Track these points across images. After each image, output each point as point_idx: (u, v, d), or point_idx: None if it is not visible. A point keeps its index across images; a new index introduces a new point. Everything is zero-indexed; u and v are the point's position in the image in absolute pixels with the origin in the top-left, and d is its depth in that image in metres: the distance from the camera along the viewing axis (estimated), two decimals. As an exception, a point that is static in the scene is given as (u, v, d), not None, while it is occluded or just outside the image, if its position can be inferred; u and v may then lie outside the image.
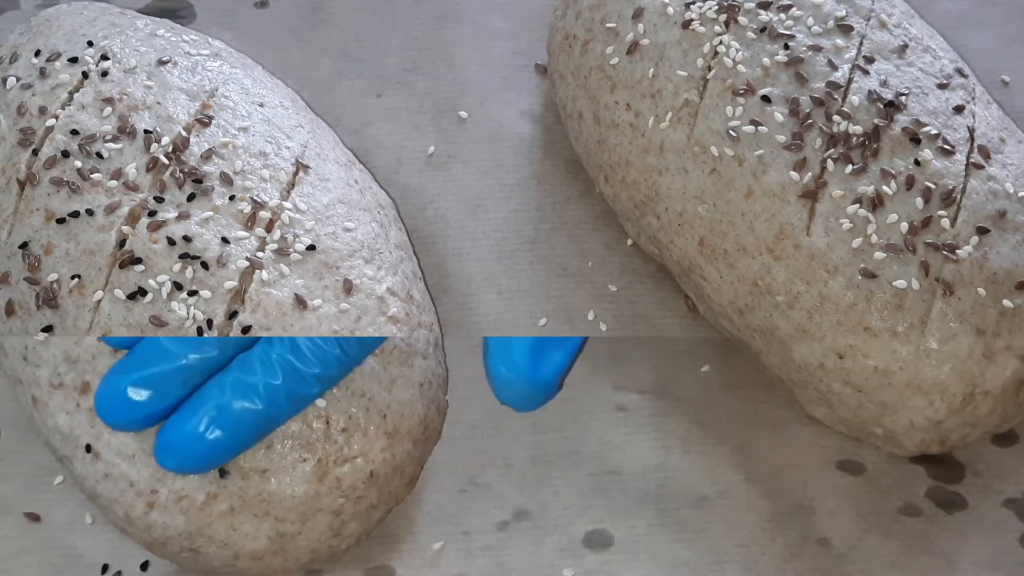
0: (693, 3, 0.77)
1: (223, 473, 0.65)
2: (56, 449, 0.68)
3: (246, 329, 0.66)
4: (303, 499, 0.65)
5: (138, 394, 0.63)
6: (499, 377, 0.64)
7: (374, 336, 0.67)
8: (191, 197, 0.69)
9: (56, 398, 0.67)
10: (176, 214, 0.69)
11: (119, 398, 0.63)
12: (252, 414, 0.63)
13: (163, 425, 0.64)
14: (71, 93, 0.73)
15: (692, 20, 0.77)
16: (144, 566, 0.71)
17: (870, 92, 0.74)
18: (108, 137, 0.71)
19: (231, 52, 0.80)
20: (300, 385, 0.64)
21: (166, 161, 0.70)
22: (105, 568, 0.71)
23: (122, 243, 0.68)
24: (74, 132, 0.71)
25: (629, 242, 0.82)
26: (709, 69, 0.76)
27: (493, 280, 0.81)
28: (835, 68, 0.75)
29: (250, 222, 0.69)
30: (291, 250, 0.69)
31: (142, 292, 0.67)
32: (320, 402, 0.65)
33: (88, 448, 0.66)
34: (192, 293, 0.67)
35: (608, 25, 0.79)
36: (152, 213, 0.69)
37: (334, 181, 0.74)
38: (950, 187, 0.72)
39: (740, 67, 0.75)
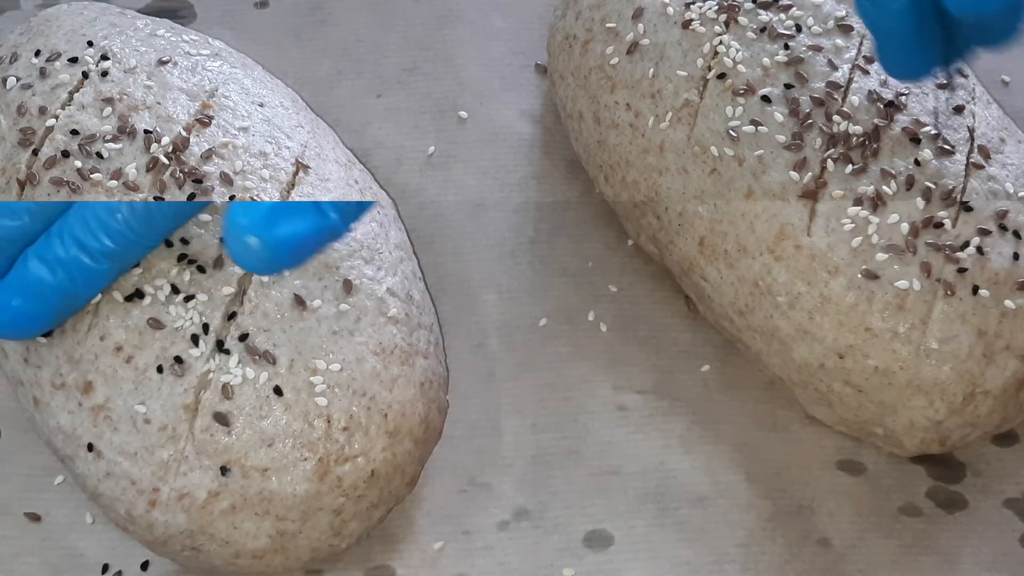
0: (693, 3, 0.77)
1: (224, 471, 0.65)
2: (58, 449, 0.68)
3: (244, 336, 0.66)
4: (304, 498, 0.65)
5: None
6: (234, 226, 0.60)
7: (180, 209, 0.66)
8: (191, 197, 0.69)
9: (58, 398, 0.67)
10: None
11: None
12: (49, 287, 0.64)
13: None
14: (71, 93, 0.73)
15: (692, 20, 0.77)
16: (144, 566, 0.71)
17: (870, 92, 0.74)
18: (108, 137, 0.71)
19: (231, 52, 0.80)
20: (91, 259, 0.64)
21: (166, 161, 0.70)
22: (105, 568, 0.71)
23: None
24: (74, 132, 0.71)
25: (629, 242, 0.82)
26: (709, 69, 0.76)
27: (493, 280, 0.81)
28: (835, 68, 0.75)
29: (250, 222, 0.69)
30: (291, 250, 0.69)
31: (140, 294, 0.67)
32: (321, 400, 0.66)
33: (90, 447, 0.66)
34: (190, 297, 0.67)
35: (608, 25, 0.79)
36: (152, 213, 0.69)
37: (334, 181, 0.74)
38: (950, 187, 0.72)
39: (740, 67, 0.75)
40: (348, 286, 0.69)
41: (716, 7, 0.77)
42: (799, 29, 0.75)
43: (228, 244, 0.60)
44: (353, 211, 0.62)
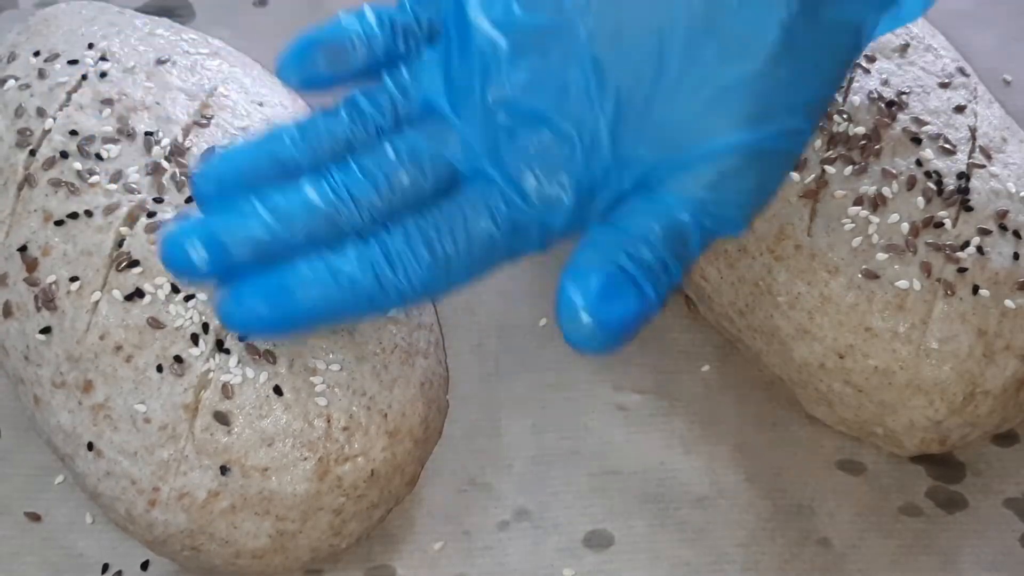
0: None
1: (224, 470, 0.65)
2: (58, 448, 0.68)
3: (243, 336, 0.66)
4: (304, 498, 0.65)
5: (205, 249, 0.60)
6: (568, 304, 0.60)
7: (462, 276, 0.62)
8: (190, 199, 0.69)
9: (58, 397, 0.67)
10: (175, 215, 0.68)
11: (183, 250, 0.60)
12: (334, 301, 0.60)
13: (234, 284, 0.61)
14: (69, 93, 0.73)
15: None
16: (144, 565, 0.71)
17: (871, 91, 0.74)
18: (107, 138, 0.71)
19: (230, 51, 0.80)
20: (382, 295, 0.60)
21: (165, 162, 0.70)
22: (105, 567, 0.71)
23: (120, 244, 0.68)
24: (73, 133, 0.71)
25: (629, 242, 0.82)
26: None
27: (493, 280, 0.81)
28: (836, 67, 0.75)
29: (249, 222, 0.69)
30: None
31: (140, 294, 0.67)
32: (321, 400, 0.65)
33: (90, 446, 0.66)
34: (189, 296, 0.67)
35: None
36: (151, 214, 0.69)
37: (334, 181, 0.74)
38: (951, 187, 0.72)
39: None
40: (348, 286, 0.69)
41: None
42: None
43: (562, 321, 0.60)
44: (665, 285, 0.61)
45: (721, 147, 0.60)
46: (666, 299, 0.61)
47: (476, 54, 0.61)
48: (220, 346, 0.66)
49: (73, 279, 0.67)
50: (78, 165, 0.70)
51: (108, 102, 0.72)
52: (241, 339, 0.66)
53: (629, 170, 0.61)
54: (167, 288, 0.67)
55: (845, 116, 0.73)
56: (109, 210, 0.69)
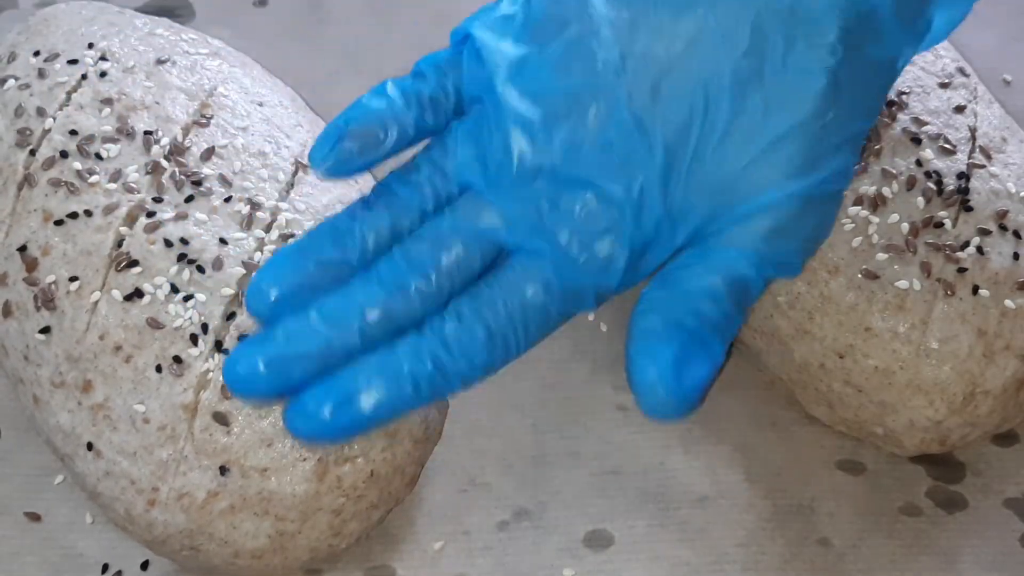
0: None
1: (223, 471, 0.65)
2: (57, 448, 0.68)
3: (244, 336, 0.66)
4: (303, 498, 0.65)
5: (266, 370, 0.60)
6: (644, 381, 0.59)
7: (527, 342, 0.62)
8: (189, 199, 0.69)
9: (58, 397, 0.67)
10: (174, 215, 0.69)
11: (247, 373, 0.60)
12: (397, 399, 0.60)
13: (299, 396, 0.60)
14: (69, 93, 0.73)
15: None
16: (144, 566, 0.71)
17: (871, 91, 0.74)
18: (107, 137, 0.71)
19: (230, 51, 0.80)
20: (444, 380, 0.60)
21: (165, 162, 0.70)
22: (105, 568, 0.71)
23: (120, 244, 0.68)
24: (72, 132, 0.71)
25: (629, 242, 0.82)
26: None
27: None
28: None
29: (248, 223, 0.69)
30: (290, 251, 0.69)
31: (139, 294, 0.67)
32: (321, 401, 0.66)
33: (89, 446, 0.66)
34: (189, 296, 0.67)
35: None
36: (150, 214, 0.69)
37: (334, 181, 0.74)
38: (951, 187, 0.72)
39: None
40: (347, 286, 0.69)
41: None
42: None
43: (640, 396, 0.59)
44: (731, 337, 0.61)
45: (776, 198, 0.59)
46: (728, 344, 0.62)
47: (508, 126, 0.60)
48: (219, 346, 0.66)
49: (73, 279, 0.67)
50: (78, 165, 0.70)
51: (108, 102, 0.72)
52: (241, 339, 0.66)
53: (682, 225, 0.60)
54: (166, 288, 0.67)
55: (845, 116, 0.73)
56: (109, 210, 0.69)
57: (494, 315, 0.60)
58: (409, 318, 0.61)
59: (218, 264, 0.67)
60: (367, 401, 0.59)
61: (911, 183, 0.72)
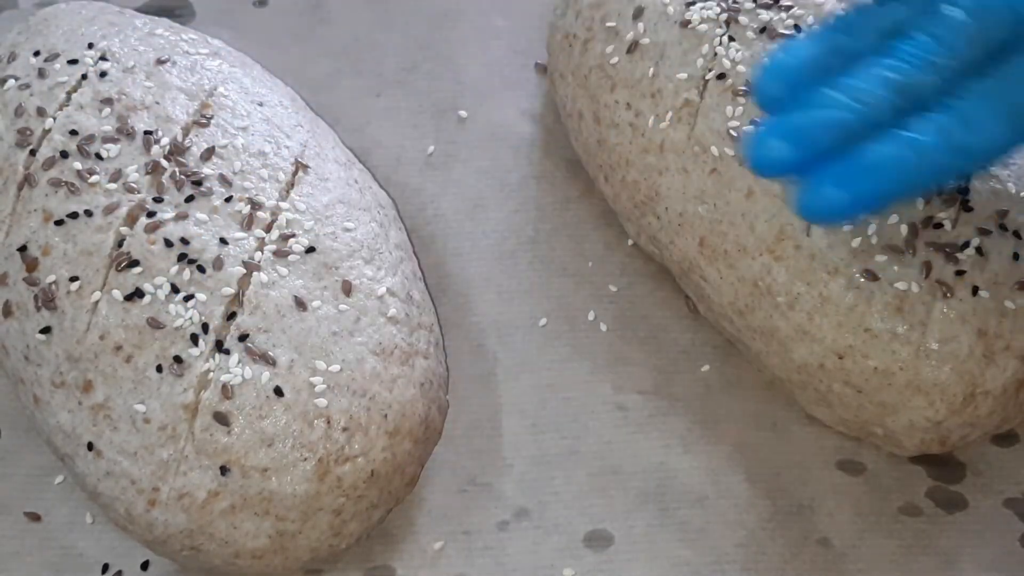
0: (694, 3, 0.77)
1: (224, 471, 0.65)
2: (57, 448, 0.68)
3: (244, 336, 0.66)
4: (304, 498, 0.65)
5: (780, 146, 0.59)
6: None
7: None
8: (190, 198, 0.69)
9: (58, 397, 0.67)
10: (174, 215, 0.69)
11: (771, 149, 0.60)
12: (912, 173, 0.59)
13: (813, 175, 0.60)
14: (69, 93, 0.73)
15: (692, 20, 0.76)
16: (144, 565, 0.71)
17: (871, 92, 0.74)
18: (107, 137, 0.71)
19: (230, 51, 0.80)
20: (959, 160, 0.60)
21: (165, 161, 0.70)
22: (105, 567, 0.71)
23: (120, 244, 0.68)
24: (73, 132, 0.71)
25: (629, 242, 0.82)
26: (709, 69, 0.76)
27: (493, 280, 0.81)
28: (836, 67, 0.75)
29: (249, 222, 0.69)
30: (290, 251, 0.69)
31: (140, 294, 0.67)
32: (321, 401, 0.66)
33: (90, 446, 0.66)
34: (189, 296, 0.67)
35: (608, 24, 0.79)
36: (151, 214, 0.69)
37: (333, 181, 0.74)
38: (951, 187, 0.72)
39: (740, 67, 0.75)
40: (347, 286, 0.69)
41: (716, 7, 0.77)
42: (799, 29, 0.75)
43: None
44: None
45: None
46: None
47: None
48: (220, 346, 0.66)
49: (73, 279, 0.67)
50: (78, 165, 0.70)
51: (108, 102, 0.72)
52: (241, 339, 0.66)
53: None
54: (167, 288, 0.67)
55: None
56: (109, 210, 0.69)
57: (1019, 92, 0.59)
58: (928, 92, 0.59)
59: (218, 264, 0.68)
60: (881, 176, 0.59)
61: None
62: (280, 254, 0.69)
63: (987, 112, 0.59)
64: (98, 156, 0.70)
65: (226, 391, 0.65)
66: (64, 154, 0.70)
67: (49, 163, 0.70)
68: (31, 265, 0.68)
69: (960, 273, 0.70)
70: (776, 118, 0.61)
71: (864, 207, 0.60)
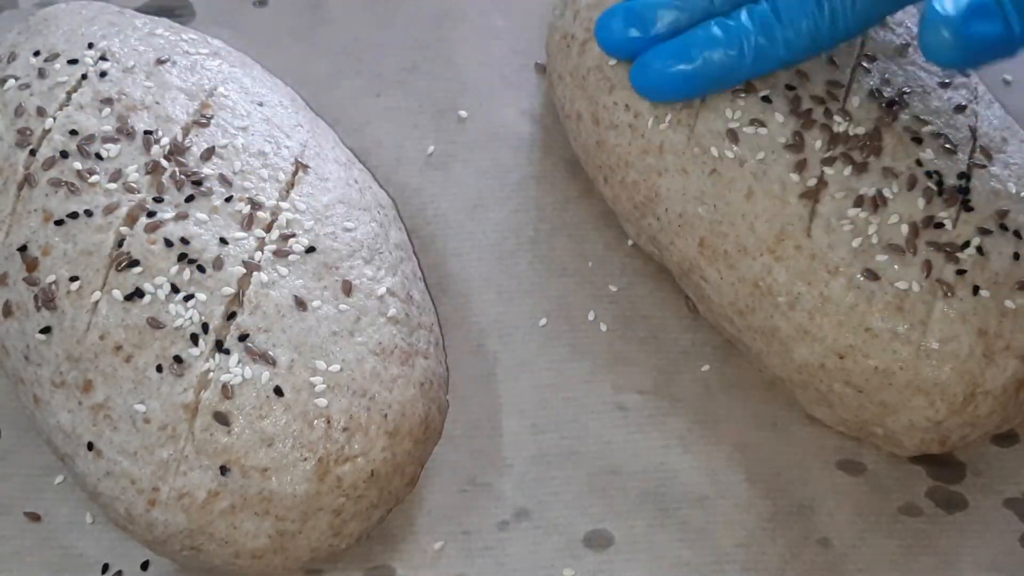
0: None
1: (224, 471, 0.65)
2: (57, 448, 0.68)
3: (244, 336, 0.66)
4: (304, 498, 0.65)
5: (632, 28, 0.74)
6: (933, 16, 0.63)
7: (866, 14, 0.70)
8: (190, 198, 0.69)
9: (58, 397, 0.67)
10: (174, 215, 0.69)
11: (612, 28, 0.74)
12: (720, 55, 0.71)
13: (645, 52, 0.73)
14: (69, 93, 0.73)
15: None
16: (144, 565, 0.71)
17: (871, 91, 0.74)
18: (107, 137, 0.71)
19: (230, 51, 0.80)
20: (770, 44, 0.70)
21: (165, 161, 0.70)
22: (105, 567, 0.71)
23: (120, 244, 0.68)
24: (73, 132, 0.71)
25: (629, 242, 0.82)
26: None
27: (493, 280, 0.81)
28: (836, 67, 0.75)
29: (249, 222, 0.69)
30: (290, 251, 0.69)
31: (140, 293, 0.67)
32: (321, 401, 0.65)
33: (90, 446, 0.66)
34: (189, 296, 0.67)
35: (608, 24, 0.79)
36: (151, 214, 0.69)
37: (333, 181, 0.73)
38: (952, 187, 0.72)
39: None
40: (347, 286, 0.69)
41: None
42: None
43: (923, 32, 0.63)
44: None
45: None
46: None
47: None
48: (220, 346, 0.66)
49: (73, 279, 0.67)
50: (78, 165, 0.70)
51: (108, 102, 0.72)
52: (241, 339, 0.66)
53: None
54: (167, 288, 0.67)
55: (846, 116, 0.73)
56: (109, 210, 0.69)
57: None
58: None
59: (218, 264, 0.68)
60: (699, 55, 0.71)
61: (911, 183, 0.72)
62: (280, 254, 0.69)
63: (796, 6, 0.69)
64: (98, 156, 0.70)
65: (226, 391, 0.65)
66: (64, 154, 0.70)
67: (49, 163, 0.70)
68: (31, 265, 0.68)
69: (961, 272, 0.70)
70: (619, 5, 0.74)
71: (690, 83, 0.72)
